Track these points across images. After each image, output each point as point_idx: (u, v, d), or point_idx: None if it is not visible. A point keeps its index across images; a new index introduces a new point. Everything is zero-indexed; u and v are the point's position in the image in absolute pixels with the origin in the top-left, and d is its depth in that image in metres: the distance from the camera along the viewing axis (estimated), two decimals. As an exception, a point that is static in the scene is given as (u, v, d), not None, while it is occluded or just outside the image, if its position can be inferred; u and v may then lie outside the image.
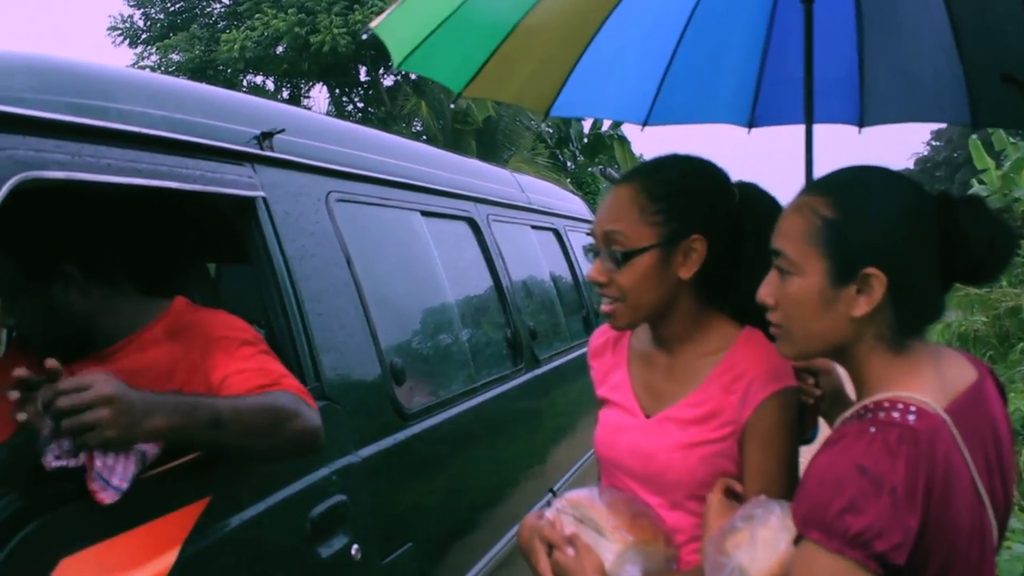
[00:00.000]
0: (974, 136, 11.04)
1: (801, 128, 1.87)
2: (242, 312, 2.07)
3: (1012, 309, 8.17)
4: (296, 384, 1.46)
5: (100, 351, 1.56)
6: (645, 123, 2.24)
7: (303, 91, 19.75)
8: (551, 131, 17.98)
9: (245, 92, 2.78)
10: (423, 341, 2.42)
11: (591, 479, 3.23)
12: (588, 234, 4.54)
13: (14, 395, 1.11)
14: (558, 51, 2.02)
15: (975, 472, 0.99)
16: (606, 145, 17.80)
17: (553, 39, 1.98)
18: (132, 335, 1.56)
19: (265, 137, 1.78)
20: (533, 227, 3.63)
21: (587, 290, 4.07)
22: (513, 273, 3.08)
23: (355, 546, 1.68)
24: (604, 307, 1.34)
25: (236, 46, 16.59)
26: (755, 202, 1.34)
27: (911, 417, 0.96)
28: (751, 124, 2.29)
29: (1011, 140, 10.68)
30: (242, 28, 17.12)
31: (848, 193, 1.07)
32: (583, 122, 18.30)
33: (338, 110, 19.06)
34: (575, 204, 4.66)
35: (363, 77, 19.06)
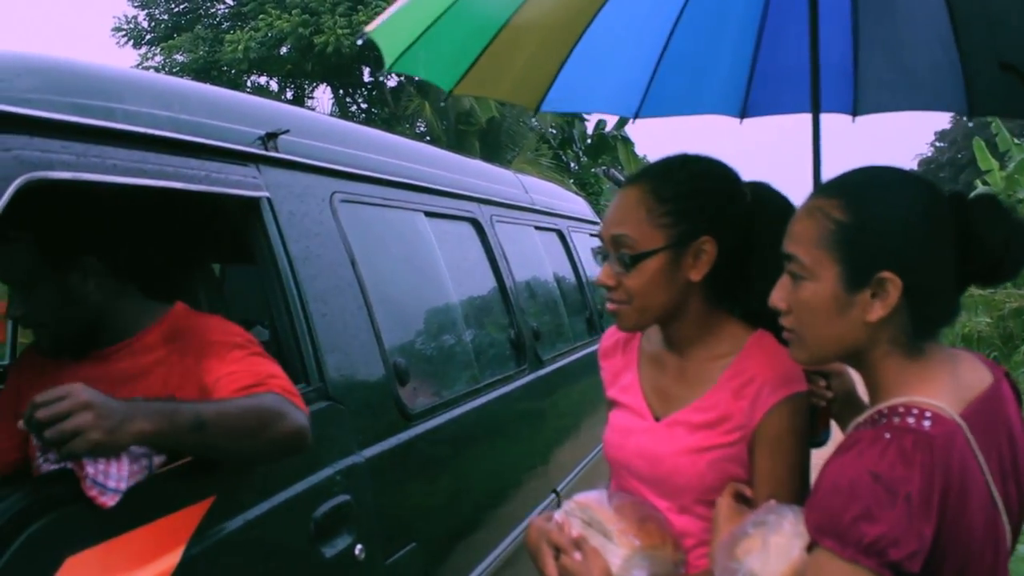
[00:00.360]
0: (978, 137, 11.01)
1: (791, 118, 1.87)
2: (246, 312, 2.08)
3: (1016, 310, 8.16)
4: (284, 384, 1.44)
5: (101, 350, 1.56)
6: (636, 116, 2.24)
7: (307, 92, 19.78)
8: (554, 132, 17.98)
9: (249, 93, 2.79)
10: (427, 341, 2.42)
11: (595, 480, 3.24)
12: (594, 235, 4.54)
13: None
14: (548, 46, 2.02)
15: (990, 478, 0.98)
16: (609, 146, 17.79)
17: (543, 34, 1.97)
18: (131, 337, 1.56)
19: (270, 138, 1.79)
20: (536, 228, 3.63)
21: (590, 291, 4.07)
22: (516, 274, 3.08)
23: (359, 546, 1.69)
24: (610, 308, 1.33)
25: (240, 47, 16.61)
26: (766, 202, 1.33)
27: (926, 423, 0.95)
28: (743, 114, 2.28)
29: (1015, 141, 10.66)
30: (246, 29, 17.15)
31: (861, 195, 1.05)
32: (586, 123, 18.31)
33: (342, 111, 19.08)
34: (578, 205, 4.65)
35: (367, 78, 19.08)
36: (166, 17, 19.93)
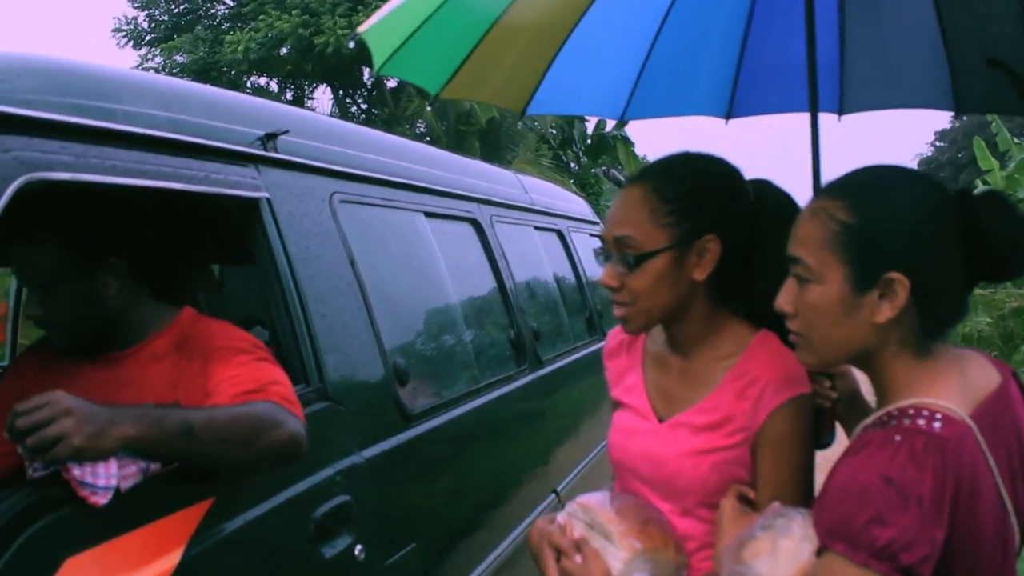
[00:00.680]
0: (978, 136, 11.01)
1: (786, 120, 1.88)
2: (246, 312, 2.07)
3: (1016, 310, 8.15)
4: (284, 392, 1.45)
5: (111, 352, 1.57)
6: (622, 118, 2.24)
7: (307, 92, 19.78)
8: (554, 132, 17.97)
9: (249, 93, 2.78)
10: (426, 342, 2.42)
11: (595, 480, 3.24)
12: (594, 235, 4.54)
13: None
14: (534, 49, 2.02)
15: (999, 479, 0.97)
16: (609, 146, 17.79)
17: (529, 37, 1.97)
18: (142, 341, 1.57)
19: (269, 138, 1.79)
20: (536, 228, 3.63)
21: (590, 291, 4.07)
22: (516, 274, 3.08)
23: (359, 546, 1.69)
24: (617, 311, 1.31)
25: (240, 47, 16.61)
26: (770, 200, 1.32)
27: (937, 424, 0.94)
28: (729, 115, 2.28)
29: (1016, 141, 10.66)
30: (246, 30, 17.14)
31: (866, 195, 1.04)
32: (586, 123, 18.30)
33: (342, 111, 19.08)
34: (578, 205, 4.65)
35: (366, 78, 19.07)
36: (166, 18, 19.93)
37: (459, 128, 15.91)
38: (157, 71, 17.99)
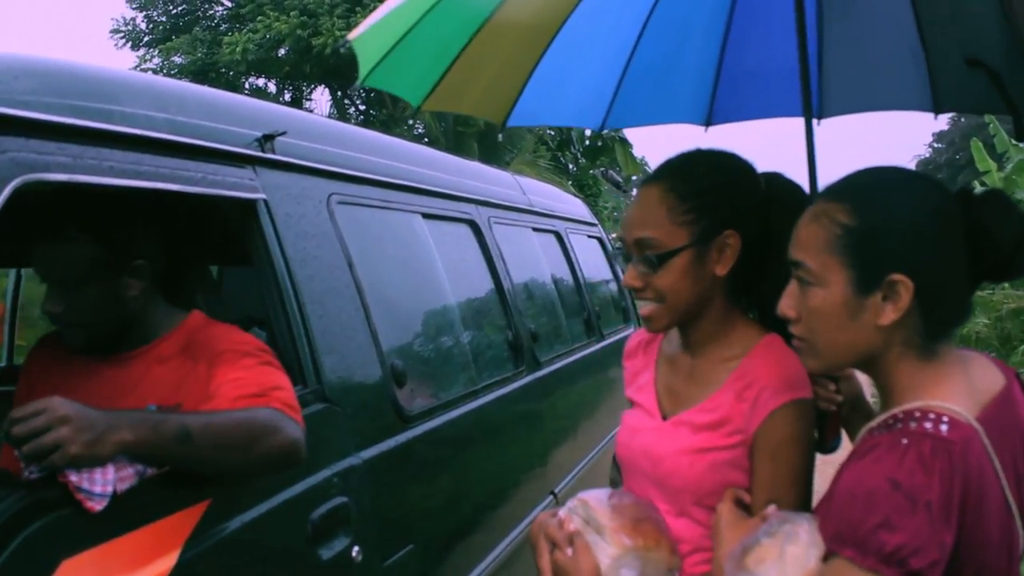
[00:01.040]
0: (976, 138, 11.01)
1: (756, 124, 1.88)
2: (244, 313, 2.07)
3: (1014, 311, 8.16)
4: (286, 397, 1.45)
5: (119, 353, 1.58)
6: (602, 128, 2.25)
7: (305, 94, 19.76)
8: (552, 133, 17.97)
9: (247, 95, 2.78)
10: (424, 343, 2.42)
11: (592, 482, 3.24)
12: (592, 237, 4.54)
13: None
14: (514, 61, 2.03)
15: (1005, 482, 0.96)
16: (607, 147, 17.78)
17: (510, 49, 1.98)
18: (151, 343, 1.58)
19: (267, 139, 1.79)
20: (534, 229, 3.63)
21: (588, 292, 4.07)
22: (514, 275, 3.08)
23: (356, 548, 1.68)
24: (642, 310, 1.32)
25: (238, 48, 16.59)
26: (782, 192, 1.32)
27: (944, 428, 0.93)
28: (708, 122, 2.29)
29: (1013, 143, 10.66)
30: (244, 31, 17.12)
31: (867, 198, 1.03)
32: (585, 124, 18.24)
33: (340, 112, 19.06)
34: (576, 206, 4.65)
35: (365, 80, 19.00)
36: (164, 19, 19.91)
37: (457, 130, 15.90)
38: (155, 72, 17.98)
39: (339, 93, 19.25)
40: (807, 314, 1.06)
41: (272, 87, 19.31)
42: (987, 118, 10.06)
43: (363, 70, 1.78)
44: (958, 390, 0.99)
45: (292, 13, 16.43)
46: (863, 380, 1.34)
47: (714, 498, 1.25)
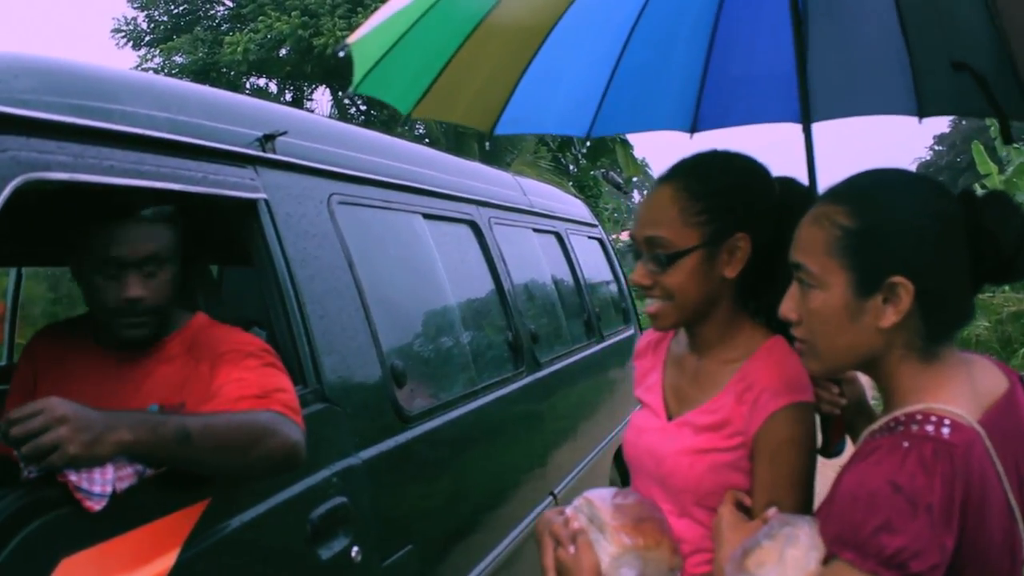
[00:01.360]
0: (977, 141, 11.02)
1: (744, 133, 1.88)
2: (244, 313, 2.07)
3: (1015, 314, 8.16)
4: (288, 400, 1.45)
5: (134, 351, 1.58)
6: (588, 134, 2.25)
7: (306, 94, 19.76)
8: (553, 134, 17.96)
9: (248, 94, 2.79)
10: (424, 343, 2.42)
11: (592, 483, 3.24)
12: (592, 238, 4.54)
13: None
14: (501, 69, 2.04)
15: (1008, 486, 0.96)
16: (608, 148, 17.77)
17: (496, 57, 1.99)
18: (161, 341, 1.59)
19: (267, 139, 1.79)
20: (535, 230, 3.63)
21: (588, 293, 4.07)
22: (514, 276, 3.08)
23: (355, 548, 1.68)
24: (650, 308, 1.32)
25: (239, 48, 16.59)
26: (795, 197, 1.31)
27: (945, 430, 0.93)
28: (693, 129, 2.29)
29: (1015, 145, 10.66)
30: (245, 31, 17.12)
31: (867, 200, 1.03)
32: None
33: (340, 113, 19.06)
34: (576, 207, 4.65)
35: (366, 80, 18.99)
36: (165, 19, 19.90)
37: (458, 130, 15.88)
38: (156, 72, 17.98)
39: (340, 93, 19.24)
40: (808, 316, 1.06)
41: (273, 87, 19.31)
42: (988, 121, 10.06)
43: (357, 76, 1.79)
44: (960, 393, 0.99)
45: (293, 13, 16.42)
46: (865, 383, 1.34)
47: (715, 499, 1.26)
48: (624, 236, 16.31)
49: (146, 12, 19.90)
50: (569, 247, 4.02)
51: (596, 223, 4.83)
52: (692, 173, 1.31)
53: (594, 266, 4.43)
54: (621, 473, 3.85)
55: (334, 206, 1.99)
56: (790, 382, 1.24)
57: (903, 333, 1.01)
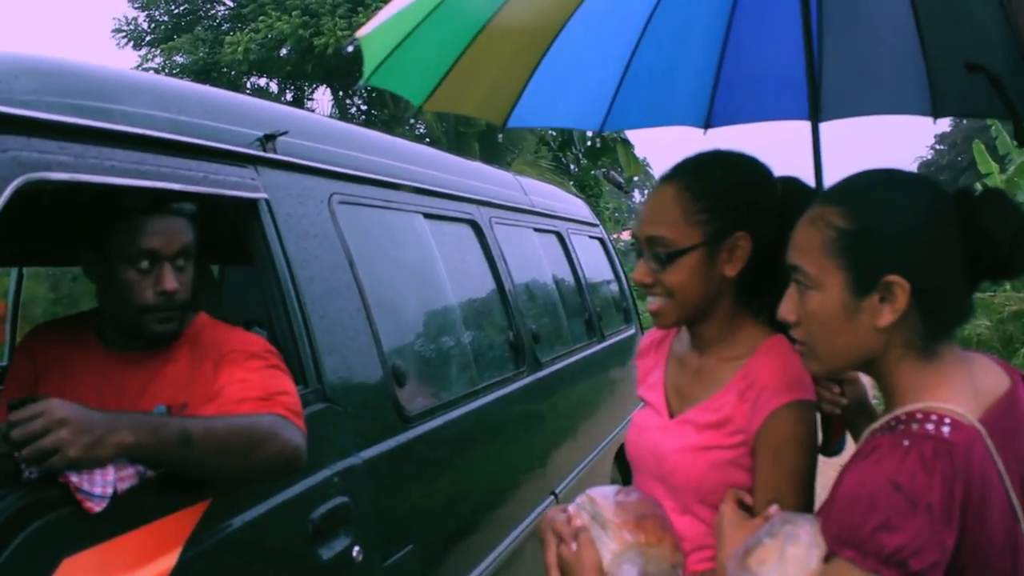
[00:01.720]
0: (978, 140, 11.01)
1: (754, 130, 1.88)
2: (244, 313, 2.07)
3: (1015, 313, 8.15)
4: (290, 403, 1.45)
5: (142, 351, 1.58)
6: (601, 130, 2.25)
7: (306, 93, 19.76)
8: (554, 134, 17.96)
9: (249, 94, 2.79)
10: (425, 343, 2.42)
11: (593, 482, 3.24)
12: (593, 237, 4.54)
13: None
14: (514, 62, 2.04)
15: (1009, 485, 0.96)
16: (609, 148, 17.76)
17: (509, 51, 1.99)
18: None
19: (268, 139, 1.79)
20: (536, 230, 3.63)
21: (589, 293, 4.07)
22: (515, 276, 3.08)
23: (356, 548, 1.68)
24: (651, 306, 1.33)
25: (240, 48, 16.59)
26: (797, 197, 1.31)
27: (946, 429, 0.93)
28: (707, 125, 2.29)
29: (1015, 144, 10.65)
30: (246, 30, 17.12)
31: (862, 200, 1.04)
32: (586, 125, 18.20)
33: (341, 112, 19.06)
34: (577, 207, 4.65)
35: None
36: (166, 19, 19.91)
37: (459, 130, 15.90)
38: (157, 72, 17.99)
39: (341, 93, 19.25)
40: (806, 317, 1.06)
41: (274, 87, 19.31)
42: (989, 121, 10.06)
43: (367, 69, 1.79)
44: (961, 391, 0.99)
45: (294, 13, 16.42)
46: (867, 382, 1.34)
47: (716, 496, 1.26)
48: (625, 235, 16.32)
49: (147, 12, 19.90)
50: (570, 247, 4.02)
51: (597, 222, 4.83)
52: (694, 173, 1.32)
53: (595, 266, 4.43)
54: (623, 473, 3.85)
55: (335, 206, 1.99)
56: (792, 380, 1.25)
57: (901, 332, 1.01)
